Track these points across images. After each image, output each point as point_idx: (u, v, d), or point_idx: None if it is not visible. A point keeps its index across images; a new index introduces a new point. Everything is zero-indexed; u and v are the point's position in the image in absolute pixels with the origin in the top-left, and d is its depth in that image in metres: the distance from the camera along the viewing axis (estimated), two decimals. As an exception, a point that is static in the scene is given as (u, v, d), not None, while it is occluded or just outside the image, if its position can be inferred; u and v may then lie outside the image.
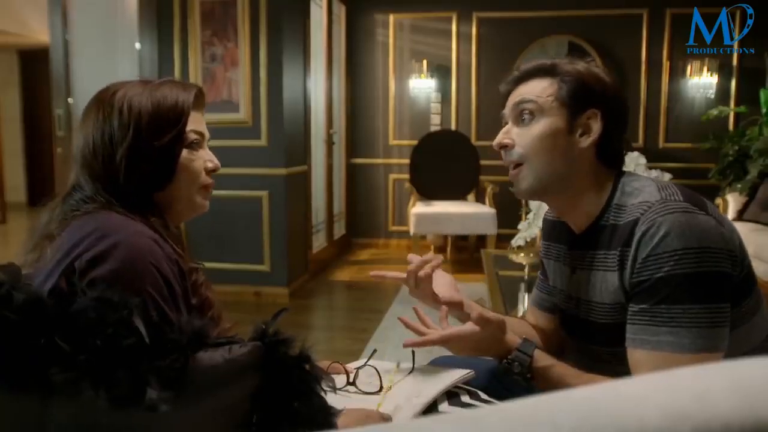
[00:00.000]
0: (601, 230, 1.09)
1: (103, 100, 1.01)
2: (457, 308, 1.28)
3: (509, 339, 1.11)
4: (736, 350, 0.99)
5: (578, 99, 1.08)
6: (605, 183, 1.11)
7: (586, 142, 1.09)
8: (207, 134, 1.09)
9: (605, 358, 1.12)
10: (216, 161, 1.09)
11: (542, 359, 1.09)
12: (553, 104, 1.09)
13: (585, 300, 1.14)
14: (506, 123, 1.16)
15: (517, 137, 1.11)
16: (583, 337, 1.18)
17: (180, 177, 1.03)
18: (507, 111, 1.14)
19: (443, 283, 1.35)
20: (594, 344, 1.16)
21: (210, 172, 1.08)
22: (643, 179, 1.10)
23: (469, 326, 1.10)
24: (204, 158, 1.07)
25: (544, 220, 1.33)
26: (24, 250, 0.98)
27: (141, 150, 0.98)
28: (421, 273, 1.31)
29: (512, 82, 1.15)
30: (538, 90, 1.10)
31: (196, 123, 1.06)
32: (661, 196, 1.02)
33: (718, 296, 0.95)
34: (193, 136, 1.04)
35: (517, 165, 1.12)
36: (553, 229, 1.28)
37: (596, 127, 1.08)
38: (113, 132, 0.98)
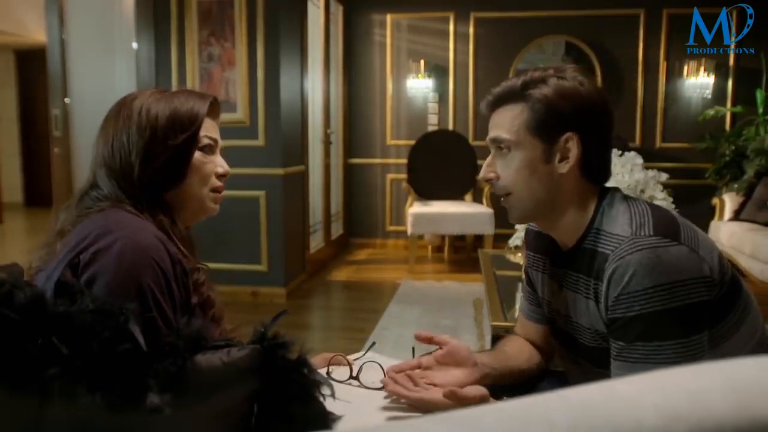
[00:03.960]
0: (584, 253, 1.08)
1: (124, 106, 1.08)
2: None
3: None
4: (734, 357, 0.99)
5: (550, 127, 1.05)
6: (589, 202, 1.10)
7: (565, 167, 1.07)
8: (220, 142, 1.15)
9: (596, 373, 1.12)
10: (227, 167, 1.15)
11: None
12: (526, 136, 1.07)
13: (573, 320, 1.14)
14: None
15: (500, 169, 1.11)
16: (573, 351, 1.18)
17: (191, 178, 1.09)
18: (488, 142, 1.13)
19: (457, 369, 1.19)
20: (584, 360, 1.16)
21: (220, 176, 1.14)
22: (620, 204, 1.07)
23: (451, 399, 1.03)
24: (216, 163, 1.13)
25: (528, 231, 1.31)
26: (39, 246, 1.02)
27: (156, 148, 1.04)
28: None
29: (487, 106, 1.13)
30: (508, 122, 1.08)
31: (211, 130, 1.12)
32: (632, 229, 1.00)
33: (693, 329, 0.96)
34: (206, 141, 1.10)
35: (506, 194, 1.12)
36: (536, 240, 1.27)
37: (575, 150, 1.06)
38: (131, 133, 1.04)
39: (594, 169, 1.09)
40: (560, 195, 1.09)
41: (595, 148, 1.08)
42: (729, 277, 1.03)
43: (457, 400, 1.03)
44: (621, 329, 0.98)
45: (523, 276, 1.37)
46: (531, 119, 1.06)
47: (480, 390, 1.06)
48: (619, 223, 1.03)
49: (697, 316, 0.96)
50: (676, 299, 0.94)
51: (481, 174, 1.14)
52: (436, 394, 1.05)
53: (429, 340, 1.21)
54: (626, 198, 1.10)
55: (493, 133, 1.11)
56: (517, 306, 2.46)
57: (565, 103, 1.05)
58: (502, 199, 1.14)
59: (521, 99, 1.07)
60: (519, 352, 1.31)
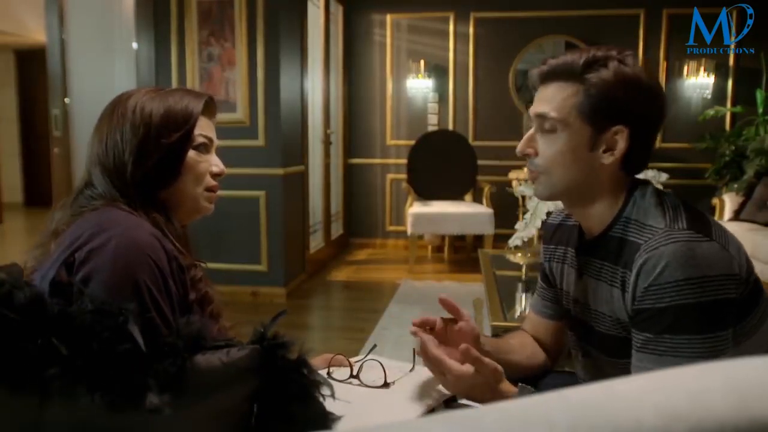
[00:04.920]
0: (610, 241, 1.07)
1: (118, 104, 1.07)
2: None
3: (504, 389, 1.07)
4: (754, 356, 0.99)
5: (603, 115, 1.02)
6: (621, 192, 1.08)
7: (608, 159, 1.04)
8: (216, 141, 1.14)
9: (612, 365, 1.11)
10: (222, 166, 1.14)
11: None
12: (576, 119, 1.03)
13: (591, 308, 1.13)
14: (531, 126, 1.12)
15: (540, 147, 1.07)
16: (591, 342, 1.17)
17: (186, 177, 1.08)
18: (531, 115, 1.09)
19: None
20: (600, 351, 1.15)
21: (215, 176, 1.13)
22: (653, 197, 1.06)
23: (466, 367, 1.04)
24: (211, 162, 1.12)
25: (546, 224, 1.30)
26: (34, 246, 1.02)
27: (149, 147, 1.03)
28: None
29: (539, 77, 1.08)
30: (559, 100, 1.03)
31: (206, 128, 1.11)
32: (666, 222, 0.99)
33: (720, 325, 0.95)
34: (201, 139, 1.09)
35: (539, 172, 1.09)
36: (556, 232, 1.27)
37: (622, 144, 1.02)
38: (125, 131, 1.04)
39: (634, 163, 1.07)
40: (595, 183, 1.07)
41: (641, 144, 1.05)
42: (754, 276, 1.03)
43: (471, 360, 1.03)
44: (648, 320, 0.97)
45: (538, 272, 1.35)
46: (585, 103, 1.02)
47: (495, 364, 1.06)
48: (652, 215, 1.02)
49: (725, 312, 0.95)
50: (706, 294, 0.93)
51: (519, 147, 1.09)
52: (455, 363, 1.04)
53: (454, 310, 1.19)
54: (659, 192, 1.09)
55: (540, 108, 1.06)
56: (517, 306, 2.46)
57: (622, 93, 1.01)
58: (532, 173, 1.11)
59: (578, 79, 1.02)
60: (522, 347, 1.31)
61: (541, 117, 1.06)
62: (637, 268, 0.98)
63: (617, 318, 1.07)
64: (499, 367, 1.07)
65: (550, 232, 1.29)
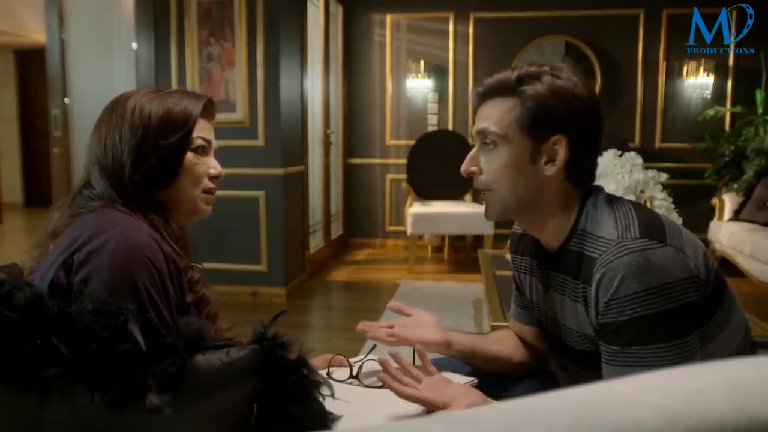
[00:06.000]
0: (569, 255, 1.07)
1: (117, 105, 1.07)
2: (441, 347, 1.29)
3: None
4: (720, 356, 0.99)
5: (540, 126, 1.03)
6: (573, 204, 1.07)
7: (551, 170, 1.04)
8: (214, 143, 1.14)
9: (586, 376, 1.11)
10: (220, 169, 1.14)
11: None
12: (515, 132, 1.04)
13: (561, 323, 1.13)
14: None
15: (483, 164, 1.08)
16: (563, 355, 1.17)
17: (184, 179, 1.08)
18: (473, 133, 1.10)
19: (426, 324, 1.32)
20: (573, 364, 1.15)
21: (213, 178, 1.13)
22: (605, 206, 1.06)
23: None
24: (209, 164, 1.12)
25: (513, 234, 1.29)
26: (32, 247, 1.02)
27: (147, 148, 1.03)
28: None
29: (478, 98, 1.09)
30: (498, 115, 1.05)
31: (204, 131, 1.11)
32: (618, 232, 0.99)
33: (685, 329, 0.95)
34: (199, 142, 1.09)
35: (487, 190, 1.09)
36: (520, 242, 1.25)
37: (562, 153, 1.03)
38: (123, 132, 1.04)
39: (579, 175, 1.07)
40: (543, 197, 1.06)
41: (582, 153, 1.05)
42: (714, 275, 1.02)
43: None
44: (613, 333, 0.97)
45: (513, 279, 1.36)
46: (522, 116, 1.03)
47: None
48: (604, 226, 1.02)
49: (688, 317, 0.95)
50: (666, 302, 0.93)
51: (463, 167, 1.10)
52: (427, 392, 1.08)
53: (399, 311, 1.34)
54: (610, 198, 1.08)
55: (481, 125, 1.07)
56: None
57: (558, 104, 1.02)
58: (483, 193, 1.11)
59: (514, 93, 1.04)
60: (501, 339, 1.32)
61: (482, 133, 1.07)
62: (596, 283, 0.98)
63: (584, 333, 1.07)
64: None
65: (515, 240, 1.28)
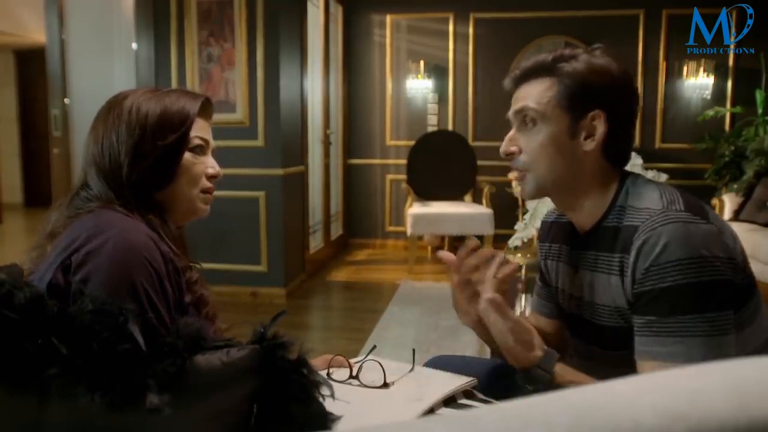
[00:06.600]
0: (605, 231, 1.08)
1: (114, 104, 1.06)
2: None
3: (533, 356, 1.06)
4: (740, 353, 0.99)
5: (579, 102, 1.05)
6: (610, 183, 1.10)
7: (590, 145, 1.06)
8: (212, 143, 1.14)
9: (610, 360, 1.11)
10: (218, 168, 1.13)
11: (564, 375, 1.05)
12: (554, 109, 1.06)
13: (588, 301, 1.13)
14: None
15: (522, 144, 1.10)
16: (587, 339, 1.17)
17: (181, 179, 1.07)
18: (511, 115, 1.12)
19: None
20: (597, 346, 1.15)
21: (211, 178, 1.12)
22: (647, 183, 1.08)
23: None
24: (206, 164, 1.12)
25: (544, 222, 1.31)
26: (30, 247, 1.01)
27: (145, 148, 1.03)
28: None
29: (513, 81, 1.12)
30: (537, 94, 1.07)
31: (202, 130, 1.10)
32: (663, 204, 1.00)
33: (723, 304, 0.95)
34: (197, 141, 1.09)
35: (525, 170, 1.11)
36: (550, 231, 1.27)
37: (601, 128, 1.05)
38: (120, 132, 1.03)
39: (616, 151, 1.09)
40: (580, 175, 1.08)
41: (619, 130, 1.07)
42: (749, 269, 1.04)
43: (499, 311, 1.04)
44: (651, 302, 0.97)
45: (536, 272, 1.37)
46: (561, 92, 1.05)
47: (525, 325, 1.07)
48: (648, 198, 1.03)
49: (725, 293, 0.95)
50: (707, 273, 0.93)
51: (503, 148, 1.12)
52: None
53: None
54: (651, 180, 1.11)
55: (519, 104, 1.09)
56: (517, 306, 2.47)
57: (595, 79, 1.05)
58: (519, 173, 1.12)
59: (551, 73, 1.07)
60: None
61: (521, 112, 1.09)
62: (636, 249, 0.98)
63: (616, 306, 1.06)
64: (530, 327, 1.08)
65: (545, 229, 1.30)
